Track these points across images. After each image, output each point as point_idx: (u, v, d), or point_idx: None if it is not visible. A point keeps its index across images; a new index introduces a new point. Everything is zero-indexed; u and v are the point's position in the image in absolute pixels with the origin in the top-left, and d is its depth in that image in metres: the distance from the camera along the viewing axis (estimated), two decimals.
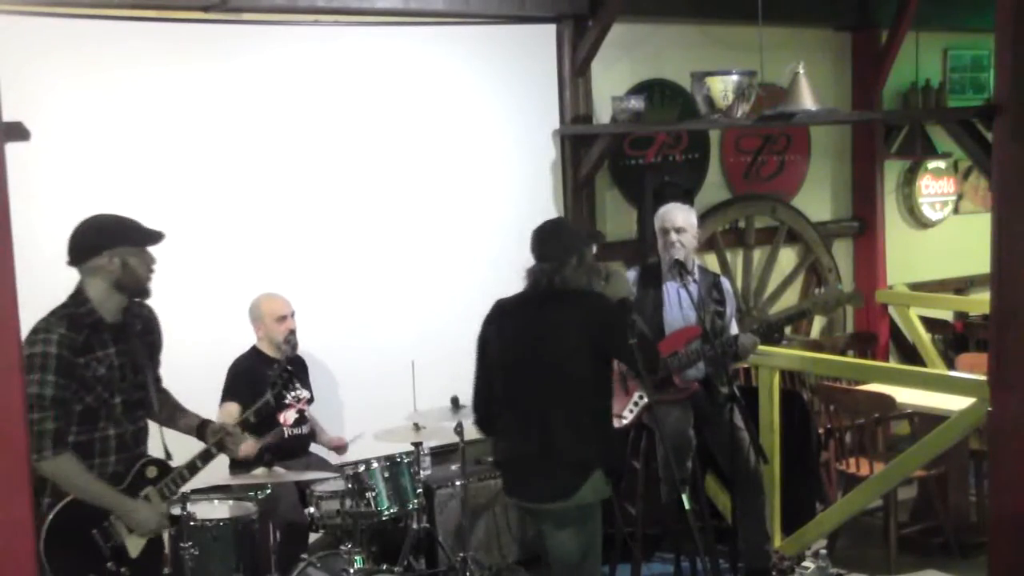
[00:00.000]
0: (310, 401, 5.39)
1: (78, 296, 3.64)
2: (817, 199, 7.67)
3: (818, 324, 7.65)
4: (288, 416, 5.24)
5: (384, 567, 4.81)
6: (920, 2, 7.17)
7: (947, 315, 7.94)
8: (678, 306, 5.15)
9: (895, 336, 7.88)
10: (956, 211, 8.38)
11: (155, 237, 3.71)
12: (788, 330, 6.46)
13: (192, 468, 3.83)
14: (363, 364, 5.76)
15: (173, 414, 4.01)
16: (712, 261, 7.00)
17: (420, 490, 4.98)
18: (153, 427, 3.94)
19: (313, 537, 5.23)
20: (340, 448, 5.38)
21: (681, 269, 5.06)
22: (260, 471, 4.80)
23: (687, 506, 4.08)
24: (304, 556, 4.81)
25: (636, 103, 6.12)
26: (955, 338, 7.70)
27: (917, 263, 8.09)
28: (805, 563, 4.97)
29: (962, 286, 8.23)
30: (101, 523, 3.65)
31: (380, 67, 5.85)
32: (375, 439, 5.12)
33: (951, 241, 8.23)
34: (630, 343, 3.96)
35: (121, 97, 5.18)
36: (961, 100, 8.08)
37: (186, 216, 5.33)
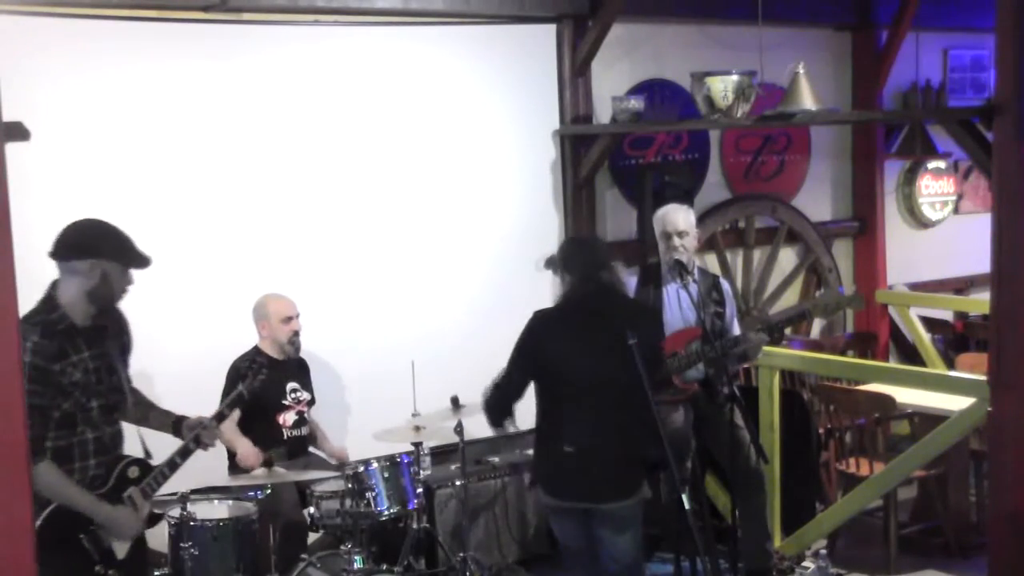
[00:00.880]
0: (311, 402, 5.39)
1: (49, 302, 3.63)
2: (817, 199, 7.67)
3: (818, 324, 7.65)
4: (287, 417, 5.24)
5: (384, 567, 4.81)
6: (920, 2, 7.17)
7: (947, 315, 7.94)
8: (678, 307, 5.15)
9: (895, 336, 7.88)
10: (956, 211, 8.37)
11: (143, 262, 3.71)
12: (788, 330, 6.47)
13: (172, 465, 3.86)
14: (363, 364, 5.76)
15: (147, 413, 4.03)
16: (712, 261, 7.00)
17: (420, 490, 4.98)
18: (133, 427, 3.97)
19: (313, 537, 5.23)
20: (341, 461, 5.33)
21: (681, 270, 5.06)
22: (260, 471, 4.80)
23: (687, 506, 4.08)
24: (304, 556, 4.81)
25: (636, 103, 6.12)
26: (955, 338, 7.70)
27: (917, 263, 8.09)
28: (805, 563, 4.98)
29: (962, 286, 8.23)
30: (88, 527, 3.66)
31: (380, 67, 5.85)
32: (375, 439, 5.11)
33: (951, 241, 8.23)
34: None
35: (121, 97, 5.17)
36: (961, 100, 8.08)
37: (186, 216, 5.33)
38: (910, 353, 7.85)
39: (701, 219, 6.40)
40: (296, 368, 5.36)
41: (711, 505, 5.69)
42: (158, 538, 4.79)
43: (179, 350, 5.22)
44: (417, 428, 5.12)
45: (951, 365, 7.12)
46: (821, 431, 6.21)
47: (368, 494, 4.72)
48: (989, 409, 4.59)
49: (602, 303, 4.28)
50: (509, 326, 4.41)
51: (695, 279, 5.12)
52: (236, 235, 5.49)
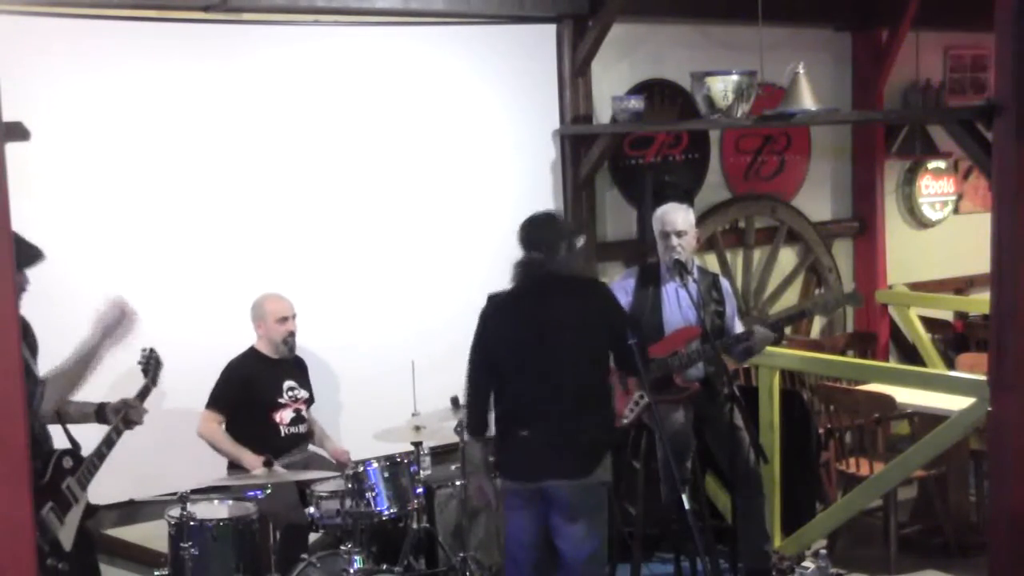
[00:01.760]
0: (309, 401, 5.39)
1: None
2: (817, 199, 7.67)
3: (818, 324, 7.65)
4: (284, 415, 5.24)
5: (384, 567, 4.80)
6: (920, 2, 7.17)
7: (947, 315, 7.94)
8: (677, 306, 5.15)
9: (895, 336, 7.88)
10: (956, 211, 8.37)
11: (33, 257, 3.70)
12: (788, 330, 6.47)
13: (100, 455, 3.95)
14: (363, 364, 5.76)
15: (64, 408, 4.06)
16: (712, 261, 7.00)
17: (420, 490, 4.98)
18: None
19: (313, 537, 5.23)
20: (343, 463, 5.33)
21: (681, 269, 5.07)
22: (260, 471, 4.81)
23: (687, 506, 4.08)
24: (304, 556, 4.80)
25: (636, 103, 6.12)
26: (955, 338, 7.70)
27: (917, 263, 8.09)
28: (805, 563, 4.97)
29: (962, 286, 8.22)
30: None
31: (380, 67, 5.85)
32: (375, 439, 5.12)
33: (951, 241, 8.23)
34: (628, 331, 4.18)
35: (121, 97, 5.17)
36: (961, 100, 8.08)
37: (186, 216, 5.33)
38: (910, 353, 7.85)
39: (701, 219, 6.40)
40: (293, 366, 5.36)
41: (711, 505, 5.69)
42: (159, 538, 4.80)
43: (179, 350, 5.20)
44: (417, 428, 5.12)
45: (951, 365, 7.12)
46: (821, 431, 6.21)
47: (368, 494, 4.73)
48: (989, 409, 4.59)
49: (557, 278, 4.26)
50: None
51: (694, 278, 5.12)
52: (236, 234, 5.49)
